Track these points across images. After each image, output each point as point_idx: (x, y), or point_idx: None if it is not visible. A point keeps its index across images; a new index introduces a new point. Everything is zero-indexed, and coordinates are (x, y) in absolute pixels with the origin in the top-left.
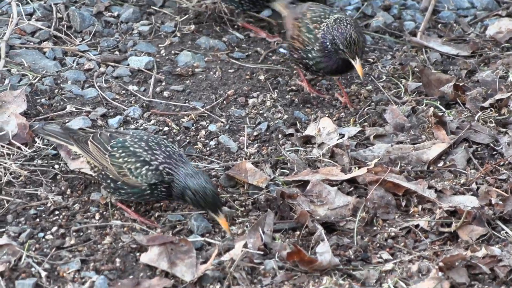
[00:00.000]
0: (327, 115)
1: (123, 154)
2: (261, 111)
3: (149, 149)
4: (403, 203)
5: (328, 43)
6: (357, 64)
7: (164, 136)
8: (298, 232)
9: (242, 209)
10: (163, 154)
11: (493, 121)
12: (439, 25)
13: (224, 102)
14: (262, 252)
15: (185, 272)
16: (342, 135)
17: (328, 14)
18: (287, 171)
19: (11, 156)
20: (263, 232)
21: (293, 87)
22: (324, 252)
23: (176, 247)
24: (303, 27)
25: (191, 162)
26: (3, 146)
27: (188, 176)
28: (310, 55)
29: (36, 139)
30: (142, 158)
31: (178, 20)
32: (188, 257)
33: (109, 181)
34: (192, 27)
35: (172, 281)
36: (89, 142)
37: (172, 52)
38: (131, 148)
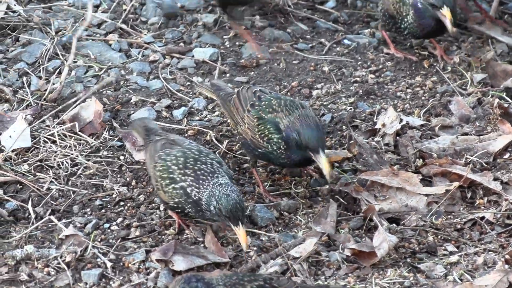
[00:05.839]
0: (391, 105)
1: (161, 168)
2: (325, 103)
3: (183, 167)
4: (469, 195)
5: None
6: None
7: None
8: (363, 225)
9: (304, 200)
10: (193, 174)
11: None
12: (506, 16)
13: (288, 93)
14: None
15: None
16: (403, 121)
17: None
18: (350, 163)
19: (78, 147)
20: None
21: (357, 78)
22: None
23: None
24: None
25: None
26: (70, 137)
27: (216, 186)
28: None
29: (103, 131)
30: (172, 176)
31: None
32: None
33: (155, 189)
34: (257, 18)
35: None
36: (148, 147)
37: (237, 43)
38: (169, 163)
